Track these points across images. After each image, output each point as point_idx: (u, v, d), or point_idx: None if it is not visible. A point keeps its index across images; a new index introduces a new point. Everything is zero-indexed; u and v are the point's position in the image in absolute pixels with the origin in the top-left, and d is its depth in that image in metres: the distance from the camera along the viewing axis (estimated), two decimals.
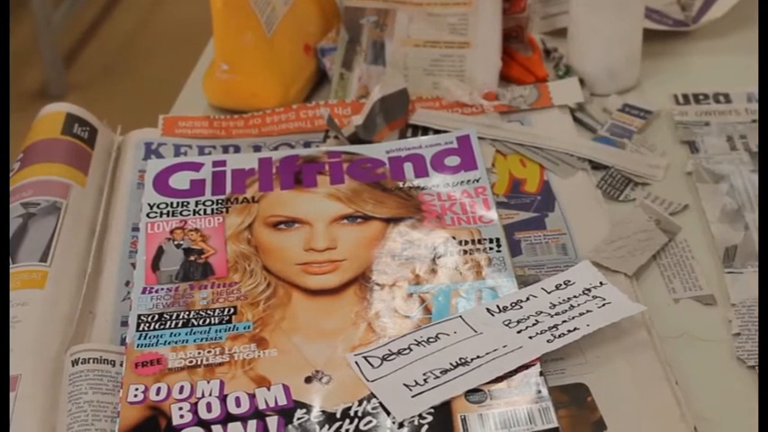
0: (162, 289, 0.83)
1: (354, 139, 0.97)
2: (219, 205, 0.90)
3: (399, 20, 1.06)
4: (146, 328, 0.79)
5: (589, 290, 0.80)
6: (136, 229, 0.89)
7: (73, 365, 0.76)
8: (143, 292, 0.82)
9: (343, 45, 1.08)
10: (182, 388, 0.74)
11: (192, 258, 0.85)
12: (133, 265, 0.86)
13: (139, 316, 0.80)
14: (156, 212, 0.89)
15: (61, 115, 0.99)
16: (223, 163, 0.94)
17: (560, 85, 1.04)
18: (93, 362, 0.76)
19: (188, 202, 0.90)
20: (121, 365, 0.77)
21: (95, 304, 0.83)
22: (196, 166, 0.94)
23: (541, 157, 0.96)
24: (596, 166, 0.96)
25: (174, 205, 0.90)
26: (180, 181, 0.93)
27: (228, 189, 0.92)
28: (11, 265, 0.84)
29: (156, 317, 0.80)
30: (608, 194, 0.93)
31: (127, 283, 0.85)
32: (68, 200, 0.90)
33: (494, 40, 1.05)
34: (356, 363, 0.75)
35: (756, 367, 0.76)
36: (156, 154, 0.98)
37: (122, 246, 0.89)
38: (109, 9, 2.94)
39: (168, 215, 0.89)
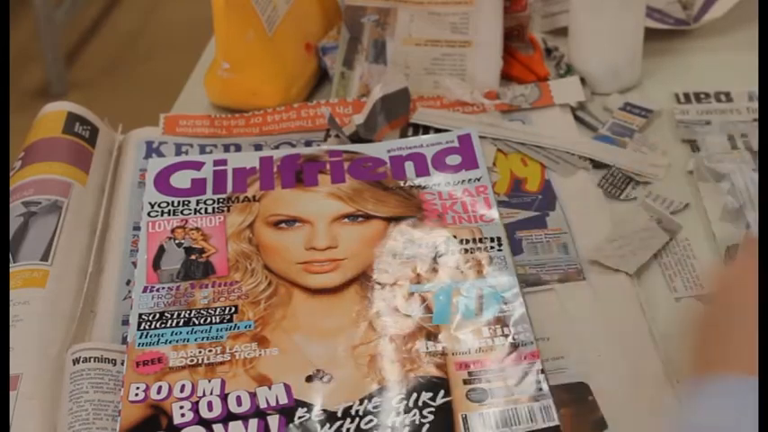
0: (163, 288, 0.83)
1: (355, 137, 0.97)
2: (220, 204, 0.90)
3: (400, 19, 1.06)
4: (147, 327, 0.79)
5: None
6: (137, 227, 0.90)
7: (74, 364, 0.76)
8: (144, 291, 0.82)
9: (344, 44, 1.08)
10: (183, 387, 0.75)
11: (193, 257, 0.85)
12: (134, 264, 0.86)
13: (140, 315, 0.80)
14: (157, 211, 0.89)
15: (62, 114, 0.99)
16: (224, 162, 0.94)
17: (561, 83, 1.04)
18: (95, 361, 0.76)
19: (189, 201, 0.90)
20: (122, 364, 0.77)
21: (96, 303, 0.83)
22: (197, 165, 0.94)
23: (542, 155, 0.96)
24: (597, 164, 0.96)
25: (175, 204, 0.90)
26: (181, 180, 0.93)
27: (229, 188, 0.92)
28: (12, 264, 0.84)
29: (157, 316, 0.80)
30: (609, 193, 0.93)
31: (128, 282, 0.85)
32: (69, 199, 0.90)
33: (495, 39, 1.05)
34: None
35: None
36: (158, 153, 0.98)
37: (123, 245, 0.89)
38: (110, 8, 2.94)
39: (169, 214, 0.89)
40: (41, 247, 0.85)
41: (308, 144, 0.99)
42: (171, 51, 2.67)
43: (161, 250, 0.86)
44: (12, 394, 0.74)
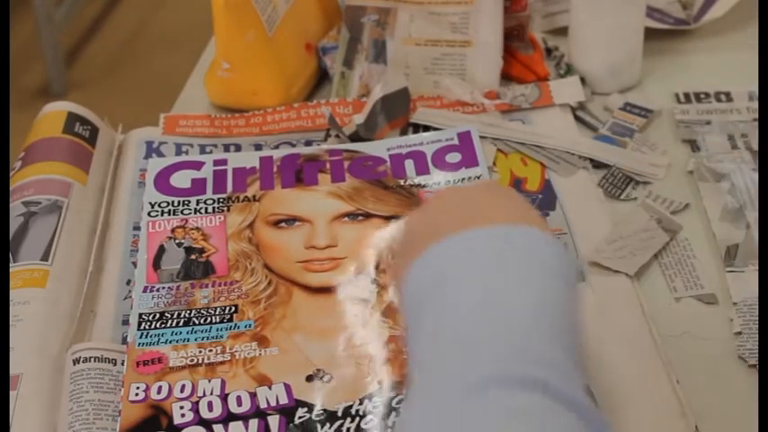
0: (163, 288, 0.83)
1: (355, 137, 0.97)
2: (220, 204, 0.90)
3: (400, 18, 1.06)
4: (147, 327, 0.79)
5: None
6: (137, 227, 0.89)
7: (74, 364, 0.76)
8: (144, 291, 0.82)
9: (344, 44, 1.08)
10: (183, 387, 0.74)
11: (193, 257, 0.85)
12: (134, 264, 0.86)
13: (141, 315, 0.80)
14: (157, 211, 0.89)
15: (62, 114, 0.99)
16: (224, 162, 0.94)
17: (561, 84, 1.04)
18: (95, 360, 0.76)
19: (189, 201, 0.90)
20: (123, 364, 0.77)
21: (96, 303, 0.83)
22: (197, 165, 0.94)
23: (542, 155, 0.96)
24: (597, 164, 0.96)
25: (176, 204, 0.90)
26: (181, 180, 0.93)
27: (229, 188, 0.92)
28: (12, 264, 0.84)
29: (158, 316, 0.80)
30: (609, 193, 0.93)
31: (128, 282, 0.85)
32: (70, 198, 0.90)
33: (495, 39, 1.05)
34: None
35: (757, 366, 0.76)
36: (158, 153, 0.98)
37: (123, 244, 0.88)
38: (111, 7, 2.94)
39: (169, 214, 0.89)
40: (41, 247, 0.85)
41: (308, 144, 0.99)
42: (171, 51, 2.67)
43: (161, 250, 0.86)
44: (12, 394, 0.74)
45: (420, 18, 1.06)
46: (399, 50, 1.06)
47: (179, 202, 0.90)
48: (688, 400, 0.74)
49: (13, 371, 0.75)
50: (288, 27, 1.06)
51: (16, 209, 0.89)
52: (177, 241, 0.87)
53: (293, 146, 0.99)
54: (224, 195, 0.91)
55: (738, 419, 0.73)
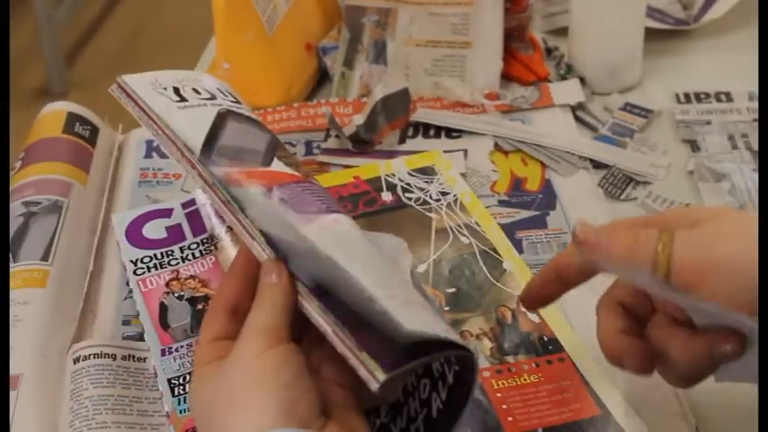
0: (182, 346, 0.77)
1: (355, 138, 0.97)
2: (205, 245, 0.84)
3: (401, 19, 1.06)
4: (182, 391, 0.74)
5: None
6: None
7: (74, 363, 0.76)
8: (163, 355, 0.76)
9: (344, 44, 1.08)
10: None
11: (200, 307, 0.80)
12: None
13: (170, 381, 0.74)
14: (142, 268, 0.83)
15: (63, 114, 0.99)
16: (192, 203, 0.88)
17: (561, 86, 1.04)
18: (94, 357, 0.76)
19: (172, 251, 0.84)
20: (123, 359, 0.76)
21: (97, 303, 0.83)
22: (167, 213, 0.87)
23: (543, 155, 0.96)
24: (597, 164, 0.96)
25: (159, 257, 0.84)
26: (154, 230, 0.86)
27: (208, 227, 0.85)
28: (12, 264, 0.84)
29: (188, 377, 0.74)
30: (609, 193, 0.93)
31: (128, 282, 0.84)
32: (70, 198, 0.90)
33: (495, 40, 1.05)
34: None
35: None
36: (158, 152, 0.98)
37: None
38: (111, 7, 2.94)
39: (156, 268, 0.83)
40: (42, 247, 0.85)
41: (308, 143, 0.99)
42: (172, 51, 2.66)
43: (163, 308, 0.80)
44: (12, 394, 0.74)
45: (420, 19, 1.06)
46: (400, 51, 1.06)
47: (161, 254, 0.84)
48: (688, 401, 0.74)
49: (13, 371, 0.75)
50: (288, 27, 1.06)
51: (16, 209, 0.89)
52: (177, 294, 0.81)
53: (293, 146, 0.99)
54: (205, 236, 0.85)
55: (739, 419, 0.73)
